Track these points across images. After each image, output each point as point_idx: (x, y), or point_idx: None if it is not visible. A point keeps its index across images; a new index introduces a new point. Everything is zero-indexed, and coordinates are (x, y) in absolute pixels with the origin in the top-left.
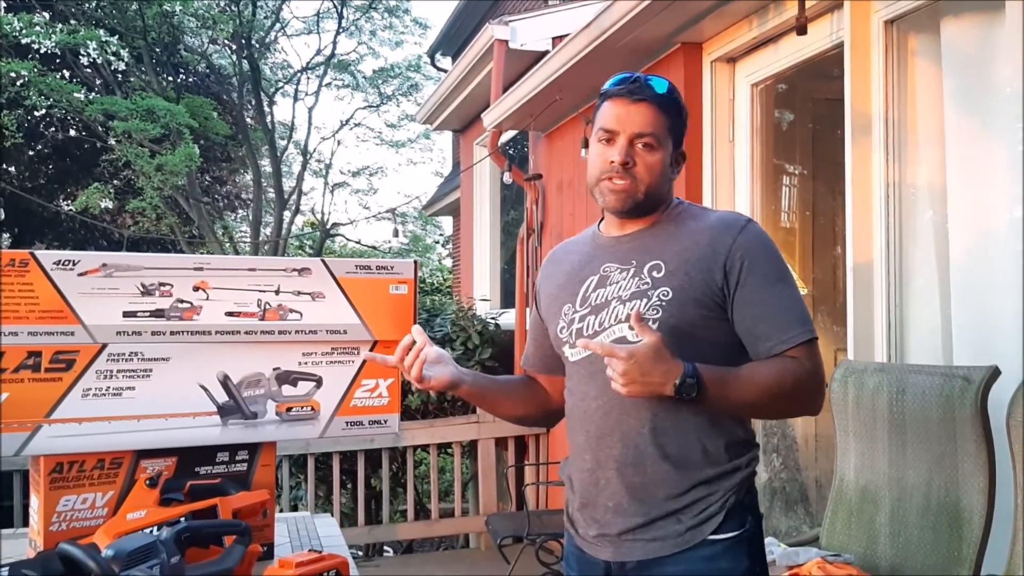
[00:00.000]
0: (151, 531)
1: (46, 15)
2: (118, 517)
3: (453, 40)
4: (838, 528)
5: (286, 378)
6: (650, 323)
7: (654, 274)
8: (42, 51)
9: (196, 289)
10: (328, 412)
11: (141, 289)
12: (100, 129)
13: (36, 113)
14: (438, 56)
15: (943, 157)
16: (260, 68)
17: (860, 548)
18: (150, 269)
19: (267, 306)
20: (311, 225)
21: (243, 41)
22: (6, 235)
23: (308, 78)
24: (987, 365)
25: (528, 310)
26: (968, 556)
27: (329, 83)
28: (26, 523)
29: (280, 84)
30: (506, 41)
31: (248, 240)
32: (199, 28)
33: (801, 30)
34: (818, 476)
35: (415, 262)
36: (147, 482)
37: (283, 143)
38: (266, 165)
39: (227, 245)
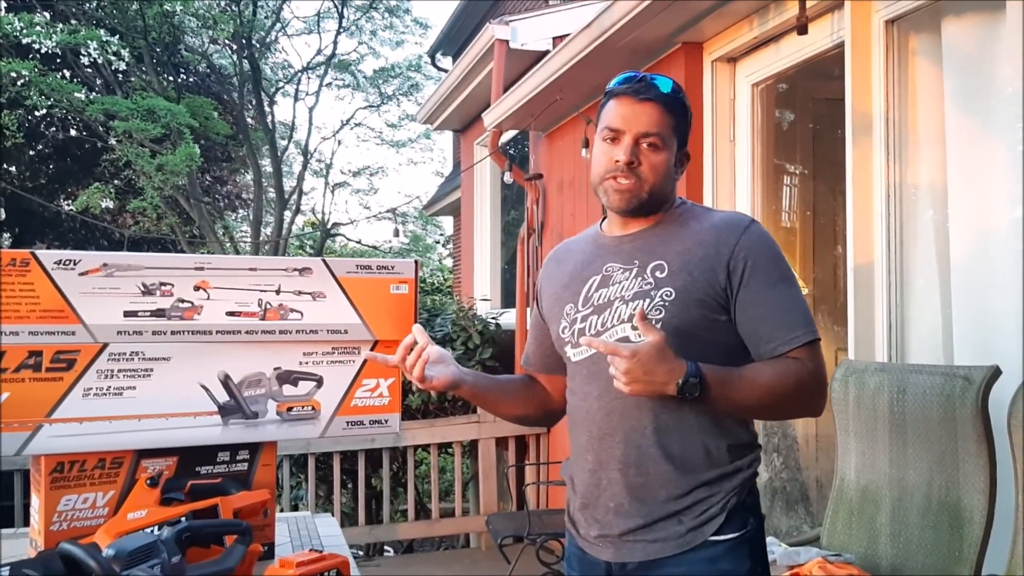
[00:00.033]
0: (152, 531)
1: (47, 15)
2: (119, 517)
3: (454, 40)
4: (839, 528)
5: (287, 378)
6: (653, 323)
7: (657, 274)
8: (43, 51)
9: (197, 289)
10: (329, 412)
11: (142, 289)
12: (101, 129)
13: (37, 113)
14: (439, 56)
15: (944, 157)
16: (261, 68)
17: (861, 548)
18: (151, 269)
19: (268, 306)
20: (312, 225)
21: (244, 41)
22: (7, 235)
23: (309, 78)
24: (988, 365)
25: (528, 310)
26: (969, 556)
27: (330, 83)
28: (27, 523)
29: (281, 84)
30: (507, 41)
31: (249, 240)
32: (200, 28)
33: (802, 30)
34: (819, 476)
35: (416, 262)
36: (148, 482)
37: (284, 143)
38: (267, 165)
39: (228, 245)
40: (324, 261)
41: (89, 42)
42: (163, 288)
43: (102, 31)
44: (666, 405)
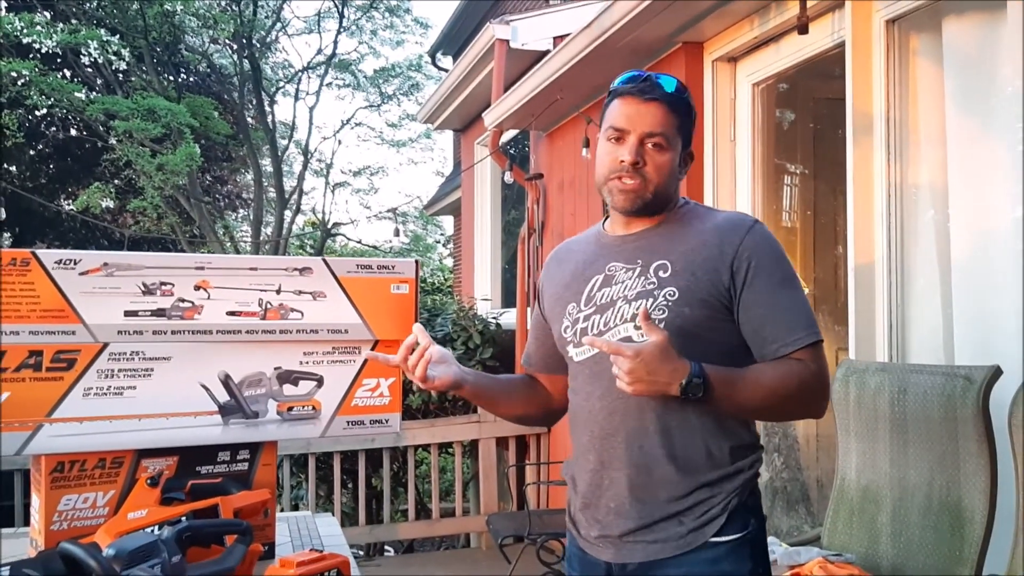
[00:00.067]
0: (152, 530)
1: (47, 15)
2: (119, 516)
3: (454, 40)
4: (839, 528)
5: (287, 377)
6: (656, 323)
7: (660, 274)
8: (43, 51)
9: (197, 288)
10: (329, 411)
11: (142, 288)
12: (101, 129)
13: (37, 113)
14: (439, 56)
15: (944, 157)
16: (261, 68)
17: (862, 548)
18: (151, 268)
19: (268, 305)
20: (312, 225)
21: (244, 41)
22: (7, 234)
23: (309, 77)
24: (989, 365)
25: (529, 310)
26: (970, 556)
27: (330, 83)
28: (27, 522)
29: (281, 84)
30: (507, 41)
31: (249, 240)
32: (200, 28)
33: (802, 29)
34: (819, 476)
35: (416, 261)
36: (148, 481)
37: (284, 143)
38: (267, 165)
39: (228, 244)
40: (324, 261)
41: (89, 42)
42: (163, 288)
43: (102, 31)
44: (669, 406)
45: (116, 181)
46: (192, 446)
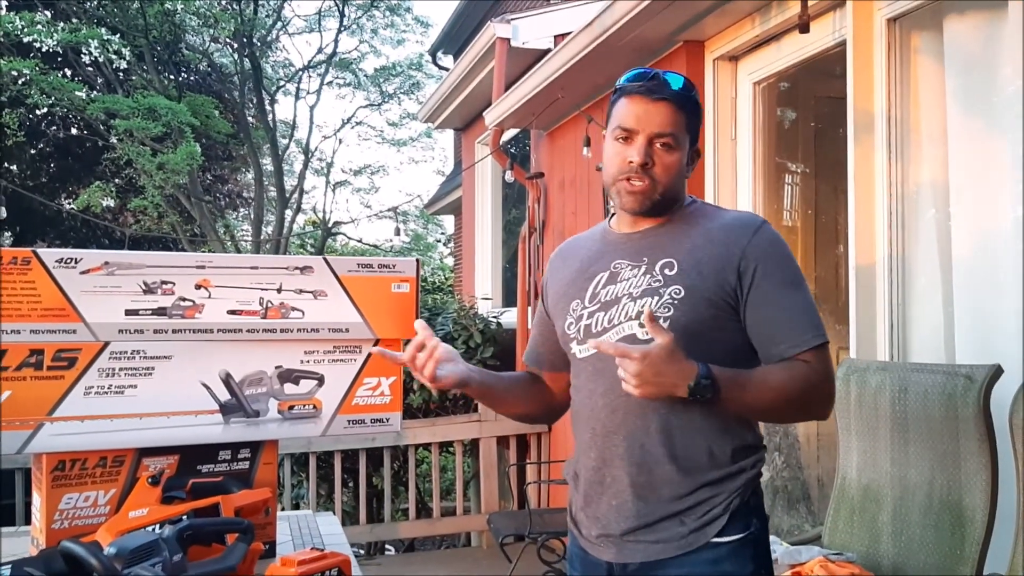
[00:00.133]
0: (153, 529)
1: (48, 13)
2: (120, 515)
3: (455, 38)
4: (840, 527)
5: (288, 376)
6: (661, 321)
7: (666, 272)
8: (44, 49)
9: (198, 287)
10: (330, 410)
11: (143, 287)
12: (102, 128)
13: (38, 112)
14: (440, 54)
15: (946, 155)
16: (261, 66)
17: (862, 547)
18: (152, 267)
19: (269, 304)
20: (313, 224)
21: (245, 39)
22: (8, 233)
23: (310, 76)
24: (990, 364)
25: (530, 308)
26: (970, 555)
27: (330, 81)
28: (28, 521)
29: (282, 82)
30: (508, 39)
31: (250, 239)
32: (201, 26)
33: (803, 28)
34: (820, 475)
35: (417, 260)
36: (149, 480)
37: (284, 141)
38: (267, 164)
39: (229, 244)
40: (325, 260)
41: (90, 41)
42: (164, 287)
43: (103, 30)
44: (672, 405)
45: (117, 180)
46: (193, 445)
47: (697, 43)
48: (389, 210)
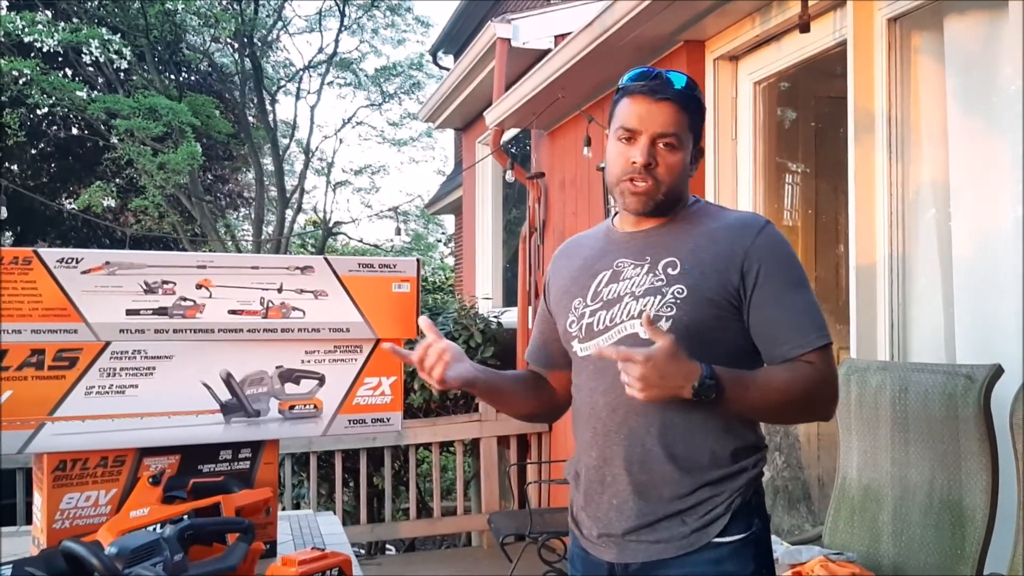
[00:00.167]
0: (154, 529)
1: (48, 13)
2: (121, 515)
3: (455, 38)
4: (841, 526)
5: (289, 376)
6: (664, 320)
7: (669, 271)
8: (44, 49)
9: (199, 287)
10: (331, 410)
11: (144, 287)
12: (102, 127)
13: (39, 111)
14: (440, 54)
15: (946, 155)
16: (262, 66)
17: (863, 546)
18: (153, 267)
19: (270, 304)
20: (313, 223)
21: (245, 39)
22: (9, 233)
23: (310, 76)
24: (990, 364)
25: (530, 308)
26: (971, 554)
27: (331, 81)
28: (29, 521)
29: (282, 82)
30: (508, 39)
31: (250, 238)
32: (201, 26)
33: (804, 28)
34: (820, 474)
35: (417, 260)
36: (150, 480)
37: (285, 141)
38: (268, 163)
39: (229, 243)
40: (326, 259)
41: (91, 41)
42: (165, 286)
43: (104, 30)
44: (674, 405)
45: (118, 180)
46: (194, 445)
47: (697, 43)
48: (390, 210)
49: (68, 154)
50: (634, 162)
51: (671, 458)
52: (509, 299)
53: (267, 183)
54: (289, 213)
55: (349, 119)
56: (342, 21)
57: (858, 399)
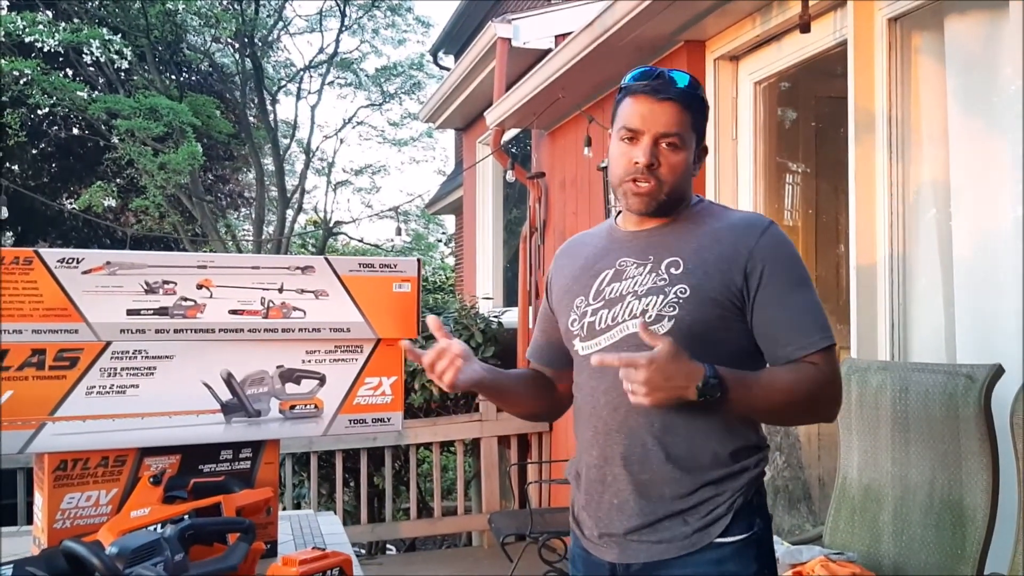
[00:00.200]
0: (155, 528)
1: (49, 13)
2: (122, 515)
3: (456, 38)
4: (841, 526)
5: (290, 376)
6: (666, 320)
7: (672, 271)
8: (45, 49)
9: (200, 287)
10: (331, 410)
11: (145, 287)
12: (103, 127)
13: (39, 111)
14: (441, 54)
15: (947, 155)
16: (263, 66)
17: (863, 546)
18: (154, 267)
19: (271, 304)
20: (314, 223)
21: (246, 39)
22: (10, 233)
23: (311, 76)
24: (991, 363)
25: (530, 308)
26: (971, 554)
27: (332, 81)
28: (30, 520)
29: (283, 82)
30: (509, 39)
31: (251, 238)
32: (202, 26)
33: (804, 28)
34: (821, 474)
35: (418, 260)
36: (151, 480)
37: (286, 141)
38: (269, 163)
39: (230, 243)
40: (327, 259)
41: (91, 41)
42: (166, 286)
43: (104, 30)
44: (675, 405)
45: (118, 180)
46: (195, 444)
47: (698, 43)
48: (390, 210)
49: (69, 154)
50: (637, 162)
51: (671, 458)
52: (510, 299)
53: (268, 183)
54: (290, 213)
55: (350, 119)
56: (343, 21)
57: (859, 399)
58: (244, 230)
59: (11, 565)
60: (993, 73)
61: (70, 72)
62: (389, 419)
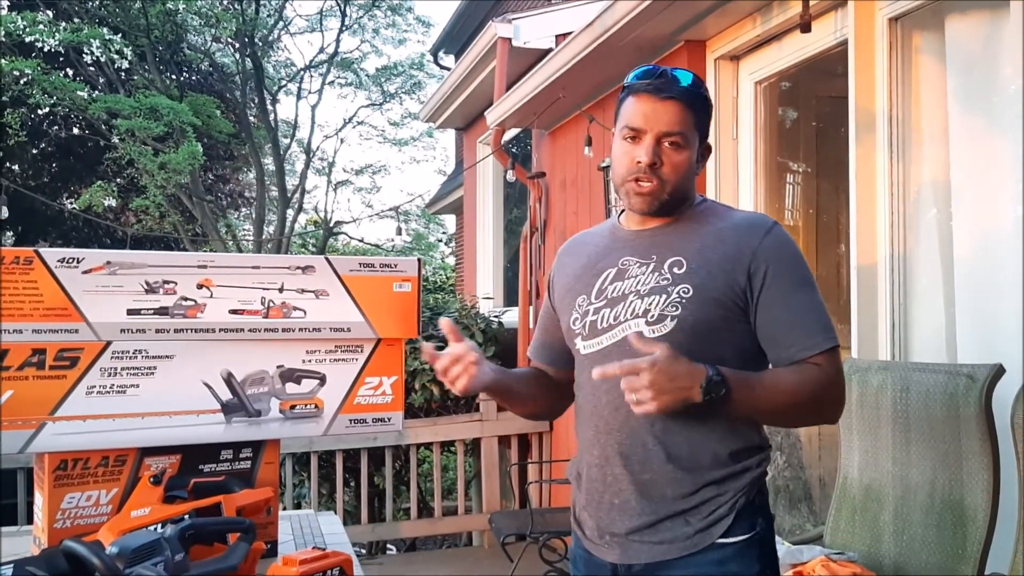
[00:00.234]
0: (155, 528)
1: (50, 13)
2: (122, 514)
3: (456, 38)
4: (842, 526)
5: (290, 376)
6: (669, 320)
7: (675, 270)
8: (46, 49)
9: (200, 287)
10: (332, 410)
11: (145, 287)
12: (103, 127)
13: (40, 111)
14: (441, 54)
15: (947, 155)
16: (263, 66)
17: (864, 546)
18: (154, 267)
19: (271, 304)
20: (314, 223)
21: (246, 39)
22: (10, 233)
23: (311, 76)
24: (991, 363)
25: (531, 308)
26: (972, 554)
27: (332, 81)
28: (30, 520)
29: (283, 82)
30: (509, 39)
31: (251, 238)
32: (202, 26)
33: (805, 28)
34: (822, 474)
35: (419, 260)
36: (151, 479)
37: (286, 141)
38: (269, 163)
39: (230, 243)
40: (327, 259)
41: (92, 40)
42: (166, 286)
43: (105, 29)
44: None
45: (119, 180)
46: (195, 444)
47: (698, 43)
48: (391, 210)
49: (69, 154)
50: (639, 161)
51: (672, 458)
52: (510, 299)
53: (268, 183)
54: (290, 213)
55: (350, 119)
56: (343, 21)
57: (859, 399)
58: (244, 230)
59: (11, 565)
60: (993, 73)
61: (70, 72)
62: (389, 419)
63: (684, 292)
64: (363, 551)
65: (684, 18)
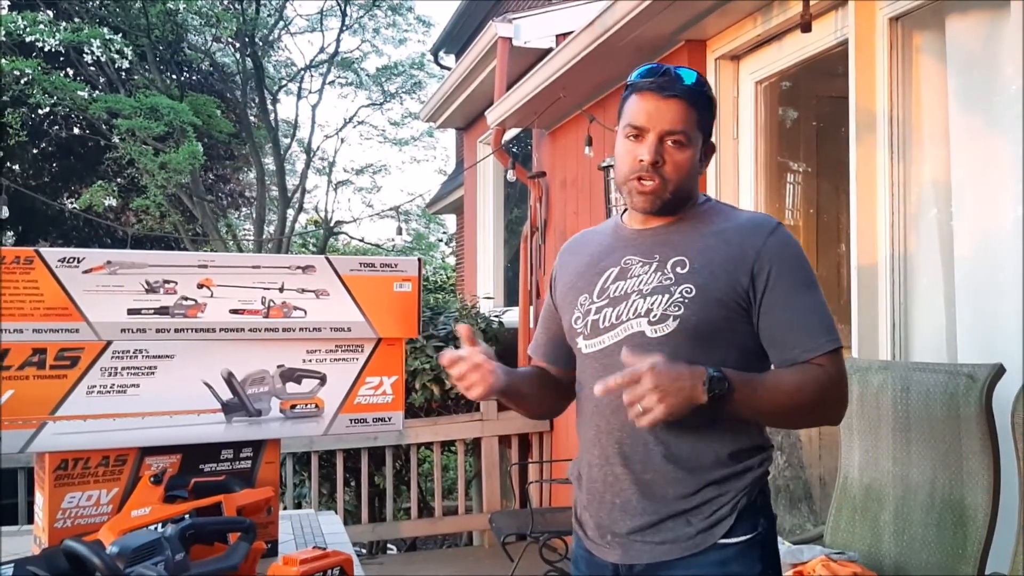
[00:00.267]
0: (156, 528)
1: (50, 13)
2: (123, 514)
3: (456, 38)
4: (842, 526)
5: (290, 375)
6: (671, 320)
7: (678, 270)
8: (46, 49)
9: (200, 286)
10: (332, 409)
11: (146, 286)
12: (104, 127)
13: (40, 111)
14: (441, 54)
15: (948, 155)
16: (263, 66)
17: (864, 546)
18: (154, 266)
19: (271, 303)
20: (315, 223)
21: (247, 39)
22: (10, 233)
23: (311, 76)
24: (992, 363)
25: (531, 307)
26: (972, 554)
27: (332, 81)
28: (31, 520)
29: (284, 82)
30: (510, 39)
31: (252, 238)
32: (203, 26)
33: (805, 27)
34: (822, 474)
35: (419, 260)
36: (151, 479)
37: (286, 141)
38: (269, 163)
39: (231, 243)
40: (327, 259)
41: (92, 40)
42: (167, 286)
43: (105, 29)
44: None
45: (119, 179)
46: (195, 444)
47: (699, 42)
48: (391, 209)
49: (70, 154)
50: (641, 160)
51: (673, 457)
52: (510, 299)
53: (268, 183)
54: (290, 213)
55: (350, 119)
56: (343, 21)
57: (860, 399)
58: (245, 230)
59: (12, 564)
60: (994, 73)
61: (71, 72)
62: (390, 418)
63: (687, 292)
64: (363, 551)
65: (684, 18)
